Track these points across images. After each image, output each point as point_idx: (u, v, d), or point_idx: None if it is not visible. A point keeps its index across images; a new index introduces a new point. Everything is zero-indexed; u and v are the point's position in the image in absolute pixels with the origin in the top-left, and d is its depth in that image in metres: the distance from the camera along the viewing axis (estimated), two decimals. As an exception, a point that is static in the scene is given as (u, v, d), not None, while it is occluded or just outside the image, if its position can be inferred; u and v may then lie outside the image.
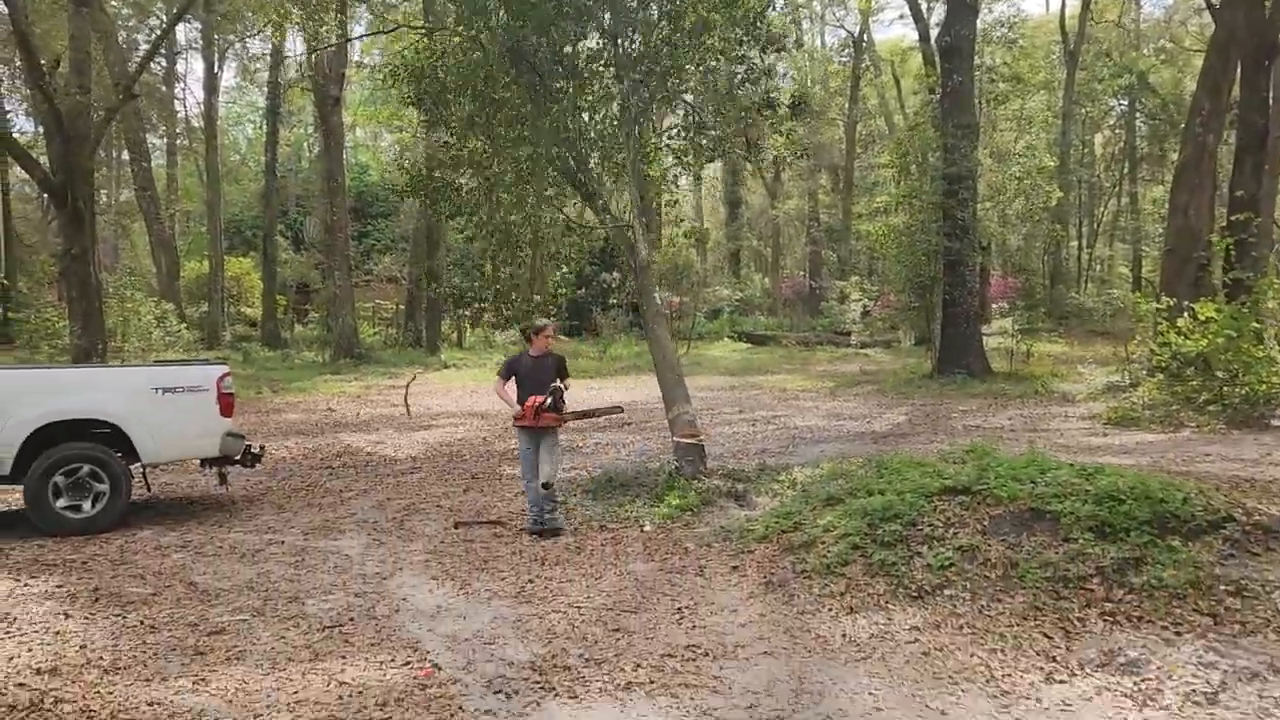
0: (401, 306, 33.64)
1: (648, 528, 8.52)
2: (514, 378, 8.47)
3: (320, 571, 7.46)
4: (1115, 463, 9.34)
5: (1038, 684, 4.84)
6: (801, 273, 41.01)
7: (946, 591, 5.99)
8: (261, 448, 10.41)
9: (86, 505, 8.84)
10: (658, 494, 9.39)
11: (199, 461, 10.27)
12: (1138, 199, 40.19)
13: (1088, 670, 4.95)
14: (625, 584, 6.83)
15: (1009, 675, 4.95)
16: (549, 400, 8.21)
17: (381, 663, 5.40)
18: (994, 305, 31.07)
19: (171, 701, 4.81)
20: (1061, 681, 4.85)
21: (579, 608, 6.35)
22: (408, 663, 5.40)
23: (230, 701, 4.83)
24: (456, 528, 8.81)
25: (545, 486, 8.18)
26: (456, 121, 11.20)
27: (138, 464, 9.29)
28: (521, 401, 8.26)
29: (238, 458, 9.97)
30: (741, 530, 7.68)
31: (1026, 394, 17.37)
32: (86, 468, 8.83)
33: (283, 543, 8.40)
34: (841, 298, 31.94)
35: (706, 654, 5.41)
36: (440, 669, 5.29)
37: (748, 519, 8.12)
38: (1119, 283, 41.07)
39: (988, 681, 4.89)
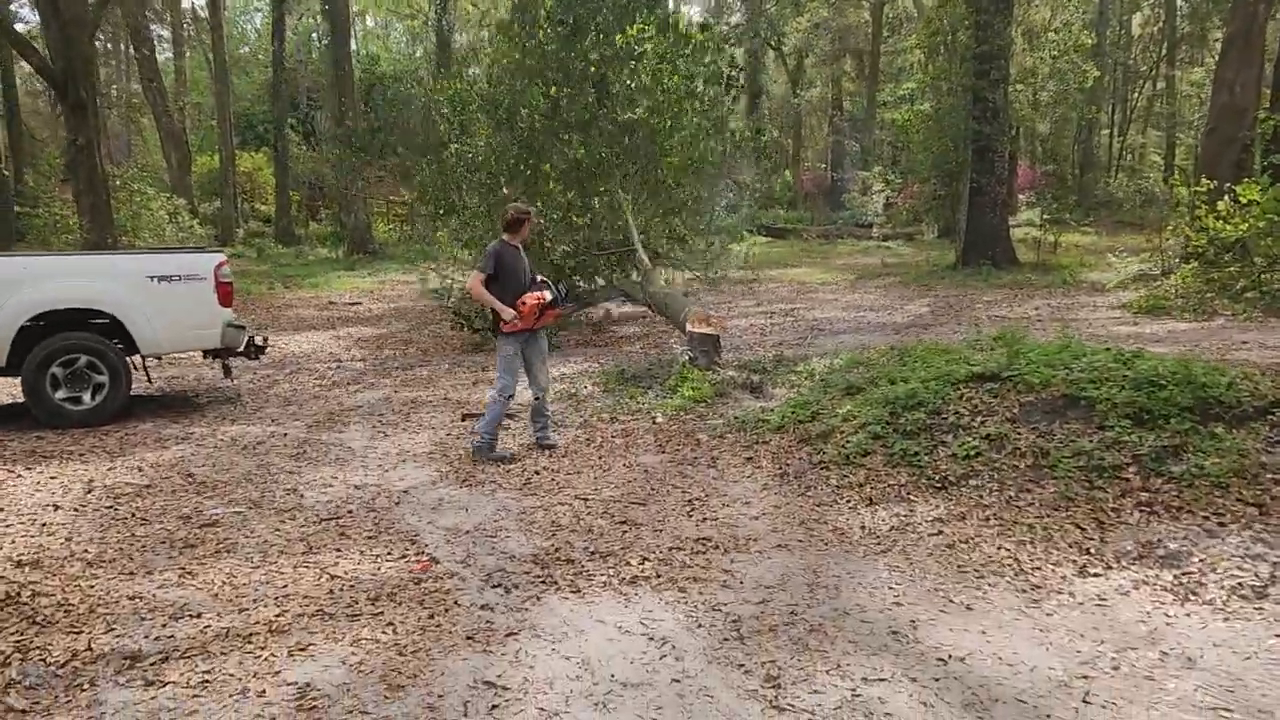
0: (415, 202, 33.01)
1: (659, 420, 8.21)
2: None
3: (321, 464, 7.21)
4: (1146, 349, 8.91)
5: (1070, 577, 4.52)
6: (823, 165, 39.92)
7: (972, 482, 5.65)
8: (265, 340, 10.11)
9: (86, 397, 8.60)
10: (671, 386, 9.05)
11: (202, 354, 10.01)
12: (1175, 83, 38.55)
13: (1124, 563, 4.62)
14: (634, 476, 6.54)
15: (1039, 568, 4.64)
16: (560, 294, 7.31)
17: (377, 556, 5.15)
18: (1020, 195, 30.18)
19: (154, 595, 4.59)
20: (1096, 575, 4.53)
21: (586, 500, 6.07)
22: (404, 556, 5.14)
23: (215, 595, 4.59)
24: (464, 420, 8.54)
25: (537, 399, 7.44)
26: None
27: (139, 356, 9.03)
28: (508, 302, 7.00)
29: (240, 350, 9.69)
30: (756, 421, 7.35)
31: (1054, 284, 16.79)
32: (84, 358, 8.56)
33: (285, 435, 8.16)
34: (864, 189, 31.05)
35: (717, 547, 5.13)
36: (437, 562, 5.03)
37: (763, 410, 7.78)
38: (1151, 171, 39.80)
39: (1016, 575, 4.58)
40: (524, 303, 6.98)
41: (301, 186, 37.33)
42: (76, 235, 20.92)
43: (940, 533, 5.13)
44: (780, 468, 6.38)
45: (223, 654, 3.97)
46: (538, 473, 6.74)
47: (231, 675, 3.79)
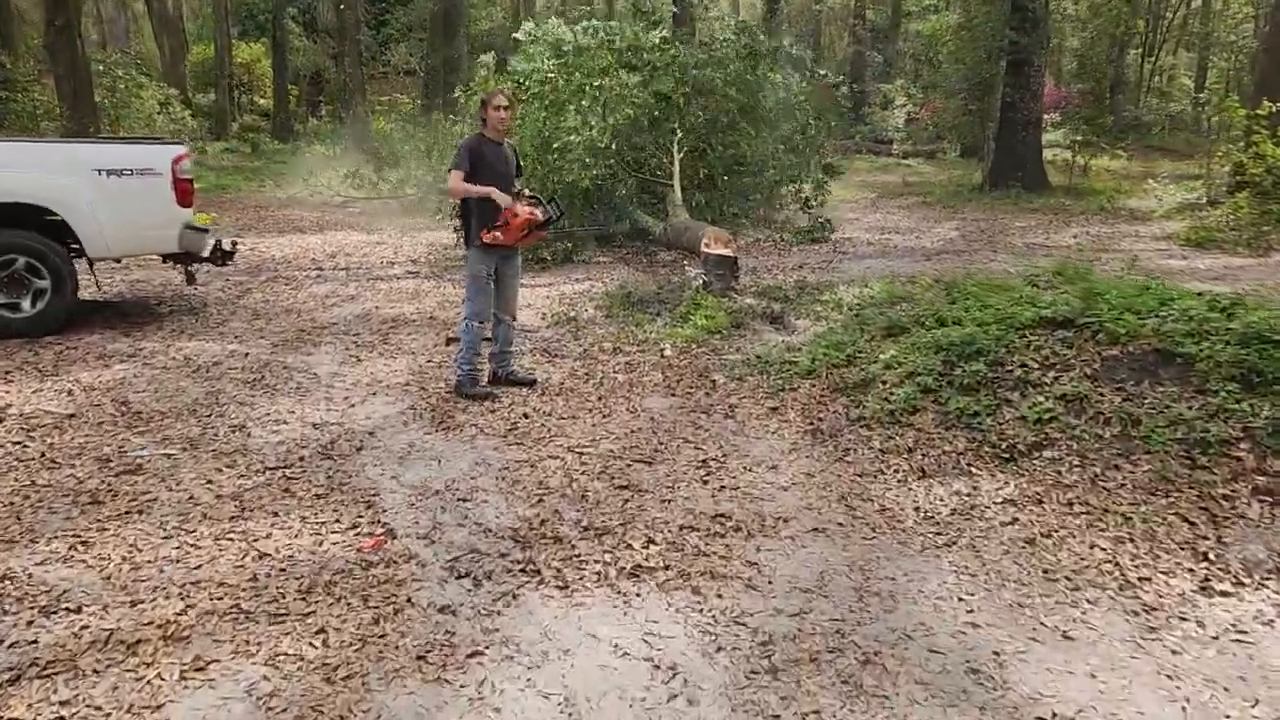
0: (419, 101, 31.37)
1: (669, 352, 7.15)
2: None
3: (280, 394, 6.18)
4: (1207, 289, 7.80)
5: (1190, 595, 3.51)
6: (841, 77, 37.96)
7: (1046, 453, 4.61)
8: (234, 244, 8.99)
9: (25, 304, 7.54)
10: (682, 314, 7.96)
11: (160, 259, 8.90)
12: (1211, 1, 36.39)
13: (1258, 577, 3.61)
14: (639, 424, 5.50)
15: (1147, 579, 3.62)
16: (553, 214, 6.09)
17: (322, 524, 4.14)
18: (1045, 115, 28.51)
19: (29, 575, 3.59)
20: (1225, 594, 3.51)
21: (580, 454, 5.04)
22: (355, 526, 4.14)
23: (108, 578, 3.59)
24: (448, 345, 7.48)
25: (503, 325, 6.26)
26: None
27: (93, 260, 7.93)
28: (486, 211, 5.80)
29: (205, 255, 8.59)
30: (782, 361, 6.28)
31: (1090, 210, 15.54)
32: (21, 260, 7.47)
33: (246, 356, 7.11)
34: (885, 103, 29.37)
35: (738, 528, 4.12)
36: (395, 536, 4.03)
37: (788, 346, 6.70)
38: (1179, 95, 37.93)
39: (1121, 588, 3.57)
40: (513, 215, 5.85)
41: (301, 80, 35.60)
42: (60, 124, 19.57)
43: (1014, 520, 4.11)
44: (811, 422, 5.34)
45: (95, 673, 2.98)
46: (526, 415, 5.71)
47: (96, 710, 2.80)
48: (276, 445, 5.19)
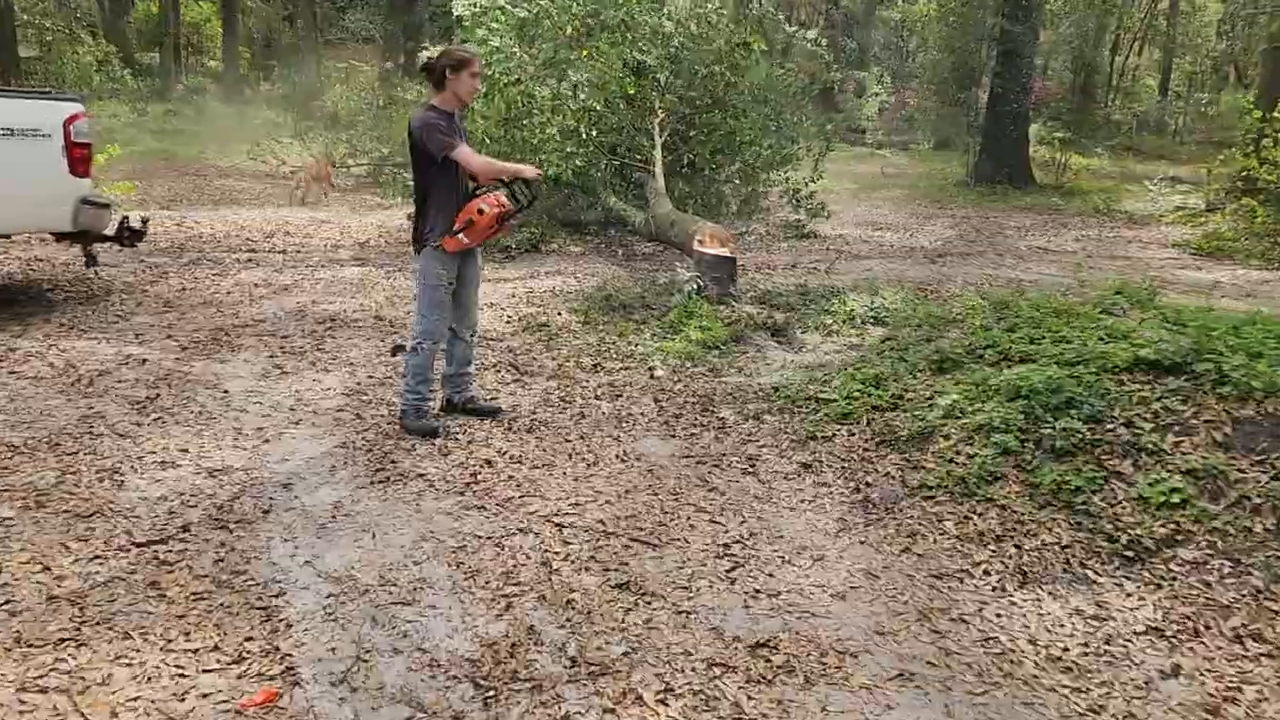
0: (378, 69, 29.54)
1: (660, 373, 5.88)
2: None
3: (176, 420, 4.80)
4: (1238, 307, 6.73)
5: None
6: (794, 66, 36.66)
7: (1183, 552, 3.42)
8: (144, 221, 7.54)
9: (-126, 290, 6.05)
10: (672, 323, 6.69)
11: (54, 238, 7.42)
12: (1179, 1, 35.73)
13: None
14: (634, 480, 4.23)
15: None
16: (523, 201, 4.79)
17: (194, 654, 2.81)
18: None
19: None
20: None
21: (562, 525, 3.76)
22: (241, 658, 2.81)
23: None
24: (394, 354, 6.12)
25: (462, 340, 4.93)
26: None
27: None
28: (452, 204, 4.52)
29: (110, 233, 7.13)
30: (807, 398, 5.01)
31: (1084, 211, 14.52)
32: None
33: (144, 363, 5.70)
34: (859, 91, 28.19)
35: (790, 668, 2.87)
36: (298, 684, 2.72)
37: (809, 376, 5.45)
38: (1145, 95, 37.33)
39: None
40: (480, 211, 4.51)
41: (254, 43, 33.55)
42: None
43: (1176, 670, 2.90)
44: (857, 486, 4.09)
45: None
46: (489, 462, 4.40)
47: None
48: (155, 503, 3.83)
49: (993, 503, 3.77)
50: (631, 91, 9.98)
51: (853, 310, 7.10)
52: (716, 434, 4.75)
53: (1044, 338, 4.77)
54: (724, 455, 4.47)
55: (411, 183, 4.81)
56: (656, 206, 9.15)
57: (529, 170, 4.67)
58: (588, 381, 5.70)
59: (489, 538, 3.65)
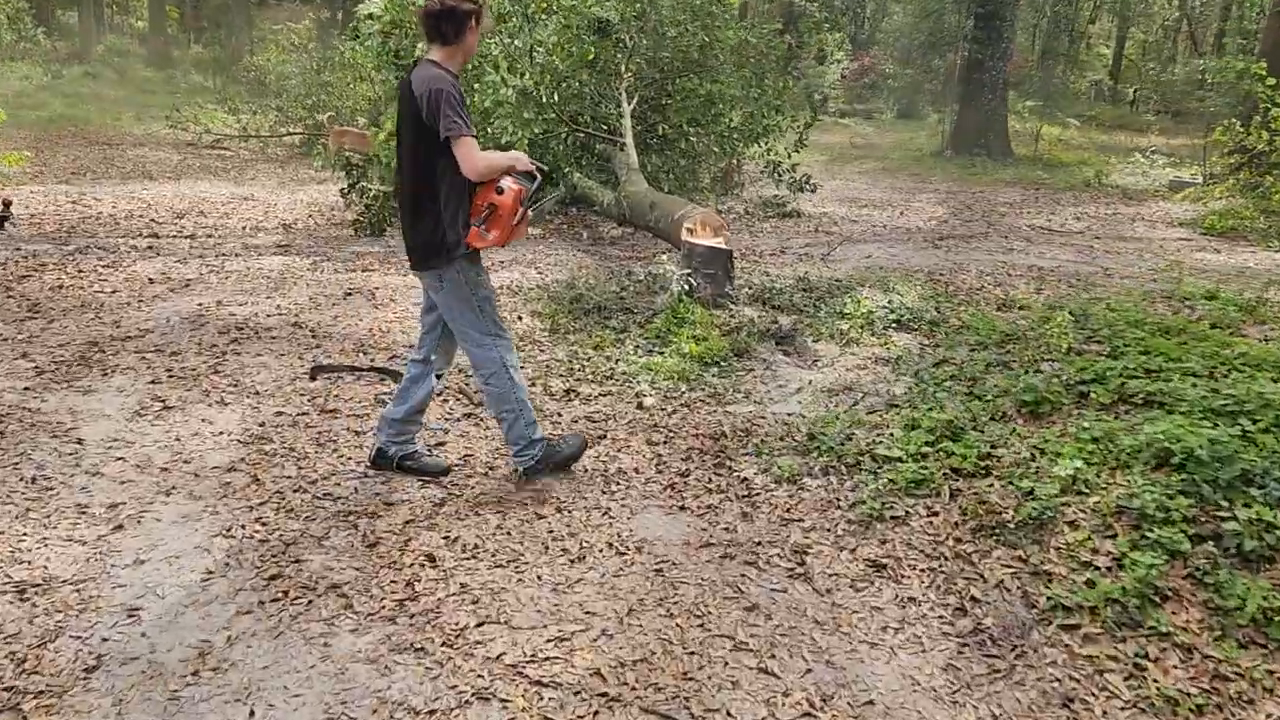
0: (310, 29, 27.49)
1: (650, 401, 4.59)
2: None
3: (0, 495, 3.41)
4: None
5: None
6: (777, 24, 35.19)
7: None
8: (6, 204, 6.07)
9: None
10: (659, 332, 5.39)
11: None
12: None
13: None
14: (638, 589, 2.94)
15: None
16: (537, 180, 3.48)
17: None
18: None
19: None
20: None
21: (542, 683, 2.47)
22: None
23: None
24: (314, 379, 4.77)
25: (434, 374, 3.68)
26: None
27: None
28: (466, 194, 3.33)
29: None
30: (855, 450, 3.73)
31: (1073, 186, 13.44)
32: None
33: (-21, 396, 4.28)
34: (820, 57, 26.86)
35: None
36: None
37: (852, 417, 4.19)
38: (1097, 65, 36.57)
39: None
40: (500, 192, 3.31)
41: (184, 3, 31.18)
42: None
43: None
44: (959, 603, 2.85)
45: None
46: (430, 560, 3.08)
47: None
48: (-79, 658, 2.47)
49: (1169, 640, 2.56)
50: (593, 54, 8.57)
51: (870, 312, 5.87)
52: (742, 506, 3.48)
53: (1166, 369, 3.56)
54: (758, 544, 3.20)
55: (396, 164, 3.46)
56: (629, 184, 7.80)
57: (522, 158, 3.42)
58: (560, 414, 4.40)
59: (430, 714, 2.36)
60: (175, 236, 8.01)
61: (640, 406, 4.55)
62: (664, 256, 6.31)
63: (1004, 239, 9.29)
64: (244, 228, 8.60)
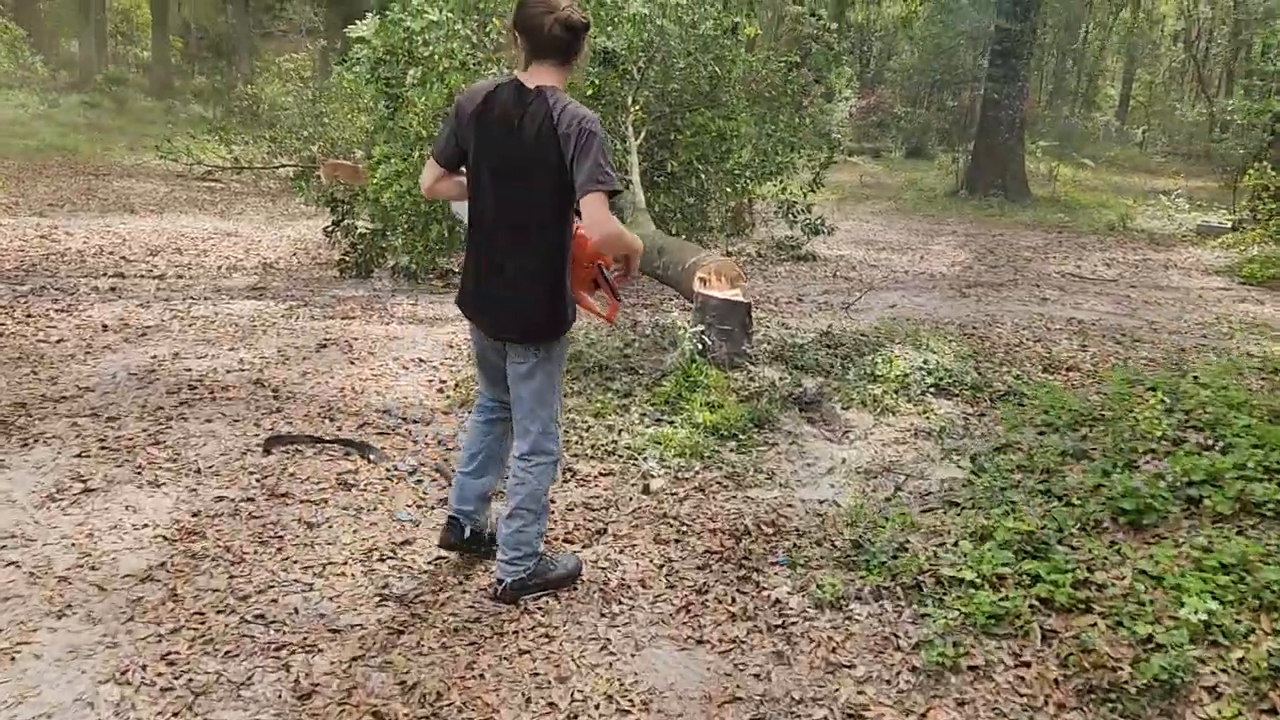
0: (313, 60, 27.07)
1: (657, 484, 3.90)
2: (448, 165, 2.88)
3: None
4: None
5: None
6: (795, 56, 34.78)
7: None
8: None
9: None
10: (668, 397, 4.70)
11: None
12: (1140, 9, 34.48)
13: None
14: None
15: None
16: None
17: None
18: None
19: None
20: None
21: None
22: None
23: None
24: (268, 453, 4.06)
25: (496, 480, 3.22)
26: None
27: None
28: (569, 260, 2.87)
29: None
30: (914, 567, 3.01)
31: (1097, 229, 12.79)
32: None
33: None
34: (828, 95, 26.42)
35: None
36: None
37: (867, 480, 3.50)
38: (1104, 105, 36.20)
39: None
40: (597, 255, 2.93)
41: (190, 35, 30.85)
42: None
43: None
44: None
45: None
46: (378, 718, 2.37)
47: None
48: None
49: None
50: (597, 86, 7.95)
51: (904, 374, 5.19)
52: (775, 641, 2.76)
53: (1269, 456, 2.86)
54: (799, 702, 2.48)
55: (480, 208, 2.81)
56: (635, 226, 7.13)
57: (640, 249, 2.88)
58: (553, 500, 3.69)
59: None
60: (142, 276, 7.35)
61: (647, 491, 3.85)
62: (674, 313, 5.64)
63: (1035, 287, 8.62)
64: (220, 267, 7.94)
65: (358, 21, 8.88)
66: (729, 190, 9.10)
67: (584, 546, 3.36)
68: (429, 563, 3.21)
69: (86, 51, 24.86)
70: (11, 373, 4.90)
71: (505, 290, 2.79)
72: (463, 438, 3.68)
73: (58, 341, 5.49)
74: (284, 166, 13.54)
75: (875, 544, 3.10)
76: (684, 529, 3.50)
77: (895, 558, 3.00)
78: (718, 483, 3.94)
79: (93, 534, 3.28)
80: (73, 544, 3.20)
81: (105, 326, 5.85)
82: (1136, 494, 2.90)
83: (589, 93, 7.88)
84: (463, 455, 3.16)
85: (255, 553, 3.21)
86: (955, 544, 3.02)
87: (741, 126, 8.50)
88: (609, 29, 8.09)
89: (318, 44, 26.86)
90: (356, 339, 5.87)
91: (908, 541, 3.10)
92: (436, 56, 7.41)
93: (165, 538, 3.28)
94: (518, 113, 2.65)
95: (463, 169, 2.84)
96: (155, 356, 5.31)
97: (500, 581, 2.94)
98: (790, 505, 3.72)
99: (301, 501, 3.63)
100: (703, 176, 8.52)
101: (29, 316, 5.98)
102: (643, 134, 8.49)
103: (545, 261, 2.77)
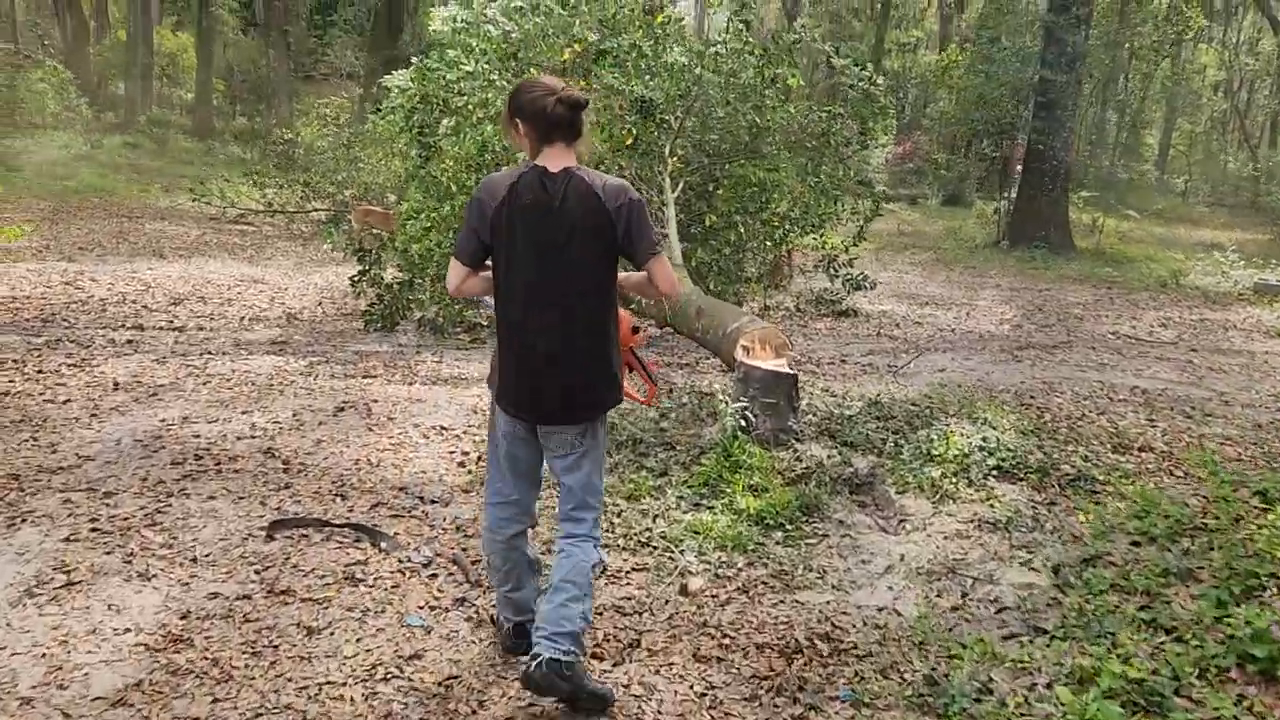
0: (352, 104, 27.26)
1: (696, 584, 3.49)
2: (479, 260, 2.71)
3: None
4: None
5: None
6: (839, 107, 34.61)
7: None
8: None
9: None
10: (706, 478, 4.30)
11: None
12: (1179, 60, 33.98)
13: None
14: None
15: None
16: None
17: None
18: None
19: None
20: None
21: None
22: None
23: None
24: (271, 539, 3.70)
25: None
26: None
27: None
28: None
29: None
30: (996, 717, 2.58)
31: (1148, 285, 12.26)
32: None
33: None
34: (863, 143, 26.17)
35: None
36: None
37: (932, 582, 3.07)
38: (1145, 154, 35.55)
39: None
40: (637, 335, 3.10)
41: (233, 77, 31.22)
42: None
43: None
44: None
45: None
46: None
47: None
48: None
49: None
50: (634, 135, 7.65)
51: (963, 454, 4.75)
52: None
53: None
54: None
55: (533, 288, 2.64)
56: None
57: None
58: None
59: None
60: (162, 328, 7.08)
61: (684, 592, 3.44)
62: (710, 376, 5.24)
63: (1090, 350, 8.14)
64: (243, 318, 7.67)
65: (394, 72, 8.70)
66: (769, 243, 8.74)
67: (615, 664, 2.95)
68: (439, 683, 2.81)
69: (132, 93, 25.13)
70: (11, 438, 4.60)
71: (566, 372, 2.66)
72: (482, 518, 3.30)
73: (65, 402, 5.19)
74: (316, 210, 13.39)
75: (953, 682, 2.66)
76: (727, 642, 3.09)
77: (979, 701, 2.56)
78: (763, 582, 3.52)
79: (67, 640, 2.92)
80: (44, 654, 2.84)
81: (117, 384, 5.56)
82: (1268, 639, 2.44)
83: (627, 143, 7.60)
84: (495, 574, 2.92)
85: (245, 667, 2.83)
86: (1049, 687, 2.57)
87: (784, 178, 8.16)
88: (647, 78, 7.82)
89: (355, 91, 27.09)
90: (376, 401, 5.52)
91: (991, 680, 2.66)
92: (471, 106, 7.17)
93: (147, 646, 2.92)
94: (549, 198, 2.55)
95: (488, 263, 2.66)
96: (164, 420, 5.00)
97: (537, 657, 2.55)
98: (845, 613, 3.30)
99: (303, 600, 3.25)
100: (742, 229, 8.16)
101: (39, 373, 5.71)
102: (680, 185, 8.18)
103: (594, 334, 2.67)
